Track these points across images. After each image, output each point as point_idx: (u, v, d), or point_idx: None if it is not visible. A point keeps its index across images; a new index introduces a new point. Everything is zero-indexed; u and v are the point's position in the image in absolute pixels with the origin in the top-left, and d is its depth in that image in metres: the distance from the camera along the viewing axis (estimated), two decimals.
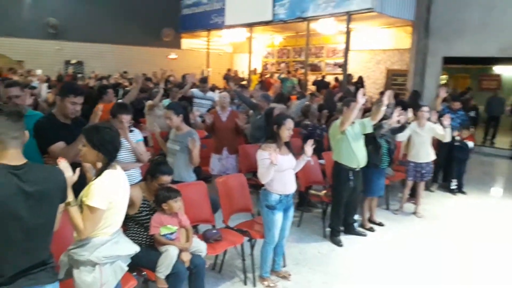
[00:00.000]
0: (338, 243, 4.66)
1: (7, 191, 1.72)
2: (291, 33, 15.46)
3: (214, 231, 3.61)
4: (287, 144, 3.61)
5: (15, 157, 1.81)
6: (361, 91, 4.15)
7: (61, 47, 15.73)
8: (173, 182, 3.79)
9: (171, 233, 3.00)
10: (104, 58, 16.18)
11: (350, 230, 4.92)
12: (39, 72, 12.34)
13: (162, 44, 17.45)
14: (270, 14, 12.04)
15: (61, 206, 2.00)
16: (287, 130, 3.51)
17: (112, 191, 2.23)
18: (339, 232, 4.77)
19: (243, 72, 16.07)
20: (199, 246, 3.14)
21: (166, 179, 3.10)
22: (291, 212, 3.74)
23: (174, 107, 3.87)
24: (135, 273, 2.87)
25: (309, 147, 3.62)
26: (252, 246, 3.75)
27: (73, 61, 16.11)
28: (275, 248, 3.76)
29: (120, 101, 4.03)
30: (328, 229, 4.84)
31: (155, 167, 3.14)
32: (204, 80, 7.75)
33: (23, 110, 3.37)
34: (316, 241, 4.76)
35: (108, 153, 2.27)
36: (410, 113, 5.97)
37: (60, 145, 3.02)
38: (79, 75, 13.01)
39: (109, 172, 2.26)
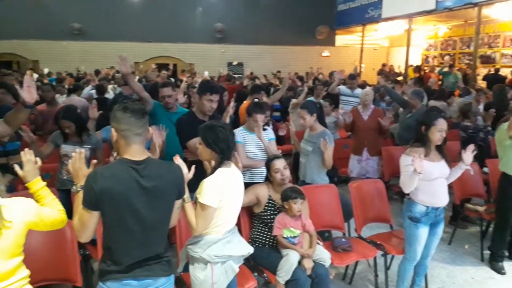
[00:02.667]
0: (500, 270, 3.85)
1: (128, 185, 1.82)
2: (458, 21, 13.66)
3: (344, 240, 3.35)
4: (439, 148, 3.10)
5: (137, 152, 1.89)
6: None
7: (225, 50, 17.19)
8: (304, 184, 3.68)
9: (294, 237, 2.88)
10: (261, 59, 17.05)
11: None
12: (206, 73, 13.71)
13: (316, 42, 17.50)
14: (433, 2, 10.83)
15: (178, 202, 2.05)
16: (438, 131, 3.01)
17: (223, 190, 2.21)
18: (502, 257, 3.93)
19: (399, 67, 14.92)
20: (323, 255, 2.94)
21: (276, 164, 3.04)
22: (440, 228, 3.21)
23: (308, 106, 3.73)
24: (256, 274, 2.85)
25: (468, 153, 3.05)
26: (387, 262, 3.36)
27: (235, 63, 17.43)
28: (416, 266, 3.29)
29: (256, 100, 4.08)
30: (487, 252, 4.05)
31: (267, 161, 3.12)
32: (352, 76, 7.40)
33: (148, 107, 3.68)
34: (470, 265, 4.02)
35: (221, 152, 2.26)
36: None
37: (195, 140, 3.16)
38: (238, 76, 13.97)
39: (222, 170, 2.25)
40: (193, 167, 2.22)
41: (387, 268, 3.50)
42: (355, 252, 3.27)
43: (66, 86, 7.99)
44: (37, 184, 2.01)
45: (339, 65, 14.17)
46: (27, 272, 1.92)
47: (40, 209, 1.93)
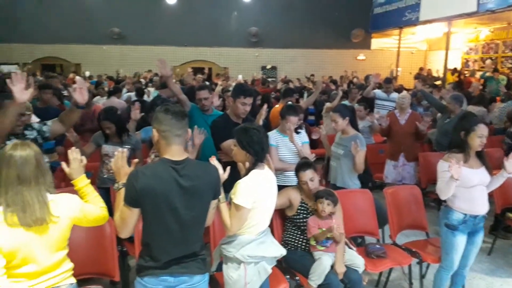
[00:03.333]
0: None
1: (167, 184, 1.89)
2: (500, 24, 13.14)
3: (378, 246, 3.30)
4: (479, 155, 3.01)
5: (177, 153, 1.96)
6: None
7: (259, 54, 17.29)
8: (336, 188, 3.65)
9: (327, 239, 2.86)
10: (295, 63, 17.03)
11: None
12: (240, 77, 13.84)
13: (351, 45, 17.29)
14: (475, 4, 10.46)
15: (214, 202, 2.11)
16: (478, 137, 2.92)
17: (257, 191, 2.24)
18: None
19: (437, 71, 14.50)
20: (356, 260, 2.91)
21: (304, 175, 3.00)
22: (480, 238, 3.10)
23: (340, 109, 3.71)
24: (288, 276, 2.85)
25: (511, 161, 2.95)
26: (422, 270, 3.28)
27: (268, 67, 17.50)
28: (453, 276, 3.19)
29: (289, 103, 4.09)
30: None
31: (296, 168, 3.11)
32: (388, 80, 7.27)
33: (186, 109, 3.74)
34: (511, 276, 3.85)
35: (255, 154, 2.30)
36: None
37: (229, 142, 3.22)
38: (271, 79, 14.01)
39: (256, 172, 2.28)
40: (228, 168, 2.27)
41: (422, 276, 3.41)
42: (389, 259, 3.22)
43: (106, 89, 8.29)
44: (82, 182, 2.11)
45: (374, 69, 13.94)
46: (71, 265, 2.02)
47: (84, 206, 2.03)
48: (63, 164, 2.12)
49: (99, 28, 15.76)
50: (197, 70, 13.63)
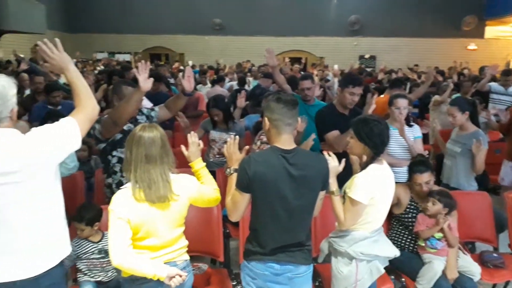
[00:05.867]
0: None
1: (277, 172, 1.91)
2: None
3: (496, 255, 2.99)
4: None
5: (286, 141, 1.97)
6: None
7: (358, 42, 16.70)
8: (450, 188, 3.37)
9: (438, 240, 2.66)
10: (397, 52, 16.13)
11: None
12: (335, 67, 13.54)
13: (461, 34, 15.85)
14: None
15: (322, 193, 2.07)
16: None
17: (375, 187, 2.16)
18: None
19: None
20: (471, 267, 2.67)
21: (421, 178, 2.78)
22: None
23: (459, 103, 3.39)
24: (393, 277, 2.72)
25: None
26: None
27: (367, 56, 16.84)
28: None
29: (396, 93, 3.85)
30: None
31: (411, 166, 2.90)
32: (507, 72, 6.50)
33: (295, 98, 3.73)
34: None
35: (375, 147, 2.19)
36: None
37: (334, 133, 3.16)
38: (369, 69, 13.45)
39: (375, 166, 2.19)
40: (343, 160, 2.21)
41: None
42: (508, 269, 2.90)
43: (208, 78, 8.68)
44: (198, 164, 2.22)
45: (487, 60, 12.61)
46: (186, 242, 2.14)
47: (200, 187, 2.13)
48: (182, 147, 2.25)
49: (202, 19, 16.54)
50: (293, 60, 13.61)
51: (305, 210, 2.01)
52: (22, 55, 9.38)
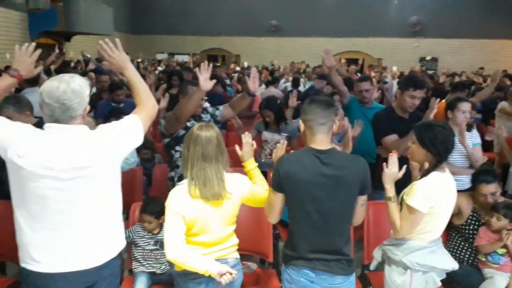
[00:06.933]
0: None
1: (310, 171, 1.89)
2: None
3: None
4: None
5: (321, 141, 1.94)
6: None
7: (418, 44, 16.05)
8: None
9: (500, 255, 2.49)
10: (460, 54, 15.36)
11: None
12: (394, 68, 13.10)
13: None
14: None
15: (362, 198, 1.99)
16: None
17: (436, 196, 2.05)
18: None
19: None
20: None
21: (487, 189, 2.61)
22: None
23: None
24: None
25: None
26: None
27: (428, 58, 16.15)
28: None
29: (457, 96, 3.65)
30: None
31: (475, 175, 2.74)
32: None
33: (344, 101, 3.79)
34: None
35: (438, 154, 2.08)
36: None
37: (392, 137, 3.05)
38: (431, 72, 12.87)
39: (436, 174, 2.08)
40: (404, 166, 2.13)
41: None
42: None
43: (263, 79, 8.75)
44: (251, 164, 2.24)
45: None
46: (237, 240, 2.17)
47: (252, 187, 2.15)
48: (236, 147, 2.28)
49: (258, 21, 16.72)
50: (350, 61, 13.35)
51: (341, 214, 1.96)
52: (88, 55, 10.00)
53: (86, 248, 1.77)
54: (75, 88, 1.69)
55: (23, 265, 1.75)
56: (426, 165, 2.12)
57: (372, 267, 2.42)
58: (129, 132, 1.85)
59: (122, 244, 1.94)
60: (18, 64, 1.91)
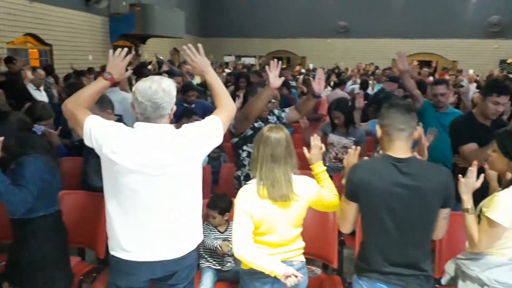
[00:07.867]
0: None
1: (385, 180, 1.81)
2: None
3: None
4: None
5: (400, 149, 1.84)
6: None
7: (499, 45, 14.92)
8: None
9: None
10: None
11: None
12: (470, 71, 12.29)
13: None
14: None
15: (445, 211, 1.88)
16: None
17: None
18: None
19: None
20: None
21: None
22: None
23: None
24: None
25: None
26: None
27: (509, 61, 14.93)
28: None
29: None
30: None
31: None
32: None
33: (417, 105, 3.52)
34: None
35: None
36: None
37: (471, 146, 2.87)
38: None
39: None
40: (482, 175, 1.99)
41: None
42: None
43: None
44: (319, 167, 2.22)
45: None
46: (303, 243, 2.16)
47: (320, 190, 2.13)
48: (305, 149, 2.27)
49: (326, 22, 16.53)
50: (422, 64, 12.74)
51: (419, 225, 1.85)
52: (161, 57, 10.51)
53: (170, 239, 1.89)
54: (165, 88, 1.81)
55: (112, 252, 1.91)
56: (509, 175, 1.97)
57: (444, 281, 2.28)
58: (211, 132, 1.95)
59: (200, 237, 2.04)
60: (111, 67, 2.03)
